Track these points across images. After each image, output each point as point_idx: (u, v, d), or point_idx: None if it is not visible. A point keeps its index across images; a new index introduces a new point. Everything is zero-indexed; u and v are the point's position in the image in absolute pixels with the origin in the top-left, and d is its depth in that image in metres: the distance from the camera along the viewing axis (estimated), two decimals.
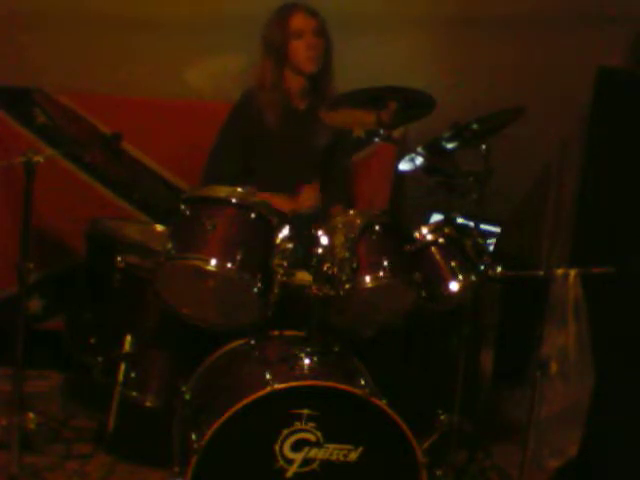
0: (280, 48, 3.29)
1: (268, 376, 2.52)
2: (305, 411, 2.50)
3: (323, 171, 3.45)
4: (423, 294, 2.80)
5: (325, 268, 2.67)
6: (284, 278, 2.70)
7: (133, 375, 3.05)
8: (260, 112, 3.33)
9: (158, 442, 2.93)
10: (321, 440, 2.52)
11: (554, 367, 2.85)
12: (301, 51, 3.28)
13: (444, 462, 2.95)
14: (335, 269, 2.65)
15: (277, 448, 2.51)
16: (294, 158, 3.37)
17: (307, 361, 2.64)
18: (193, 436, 2.53)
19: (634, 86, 3.29)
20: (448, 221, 2.93)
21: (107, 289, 3.17)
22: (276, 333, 2.89)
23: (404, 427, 2.52)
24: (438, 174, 3.00)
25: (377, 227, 2.73)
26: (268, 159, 3.36)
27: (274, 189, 3.21)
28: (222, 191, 2.71)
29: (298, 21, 3.28)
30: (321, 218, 3.03)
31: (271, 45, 3.31)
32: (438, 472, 2.92)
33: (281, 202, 3.13)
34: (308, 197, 3.28)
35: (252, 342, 2.85)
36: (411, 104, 2.81)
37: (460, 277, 2.84)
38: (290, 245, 2.71)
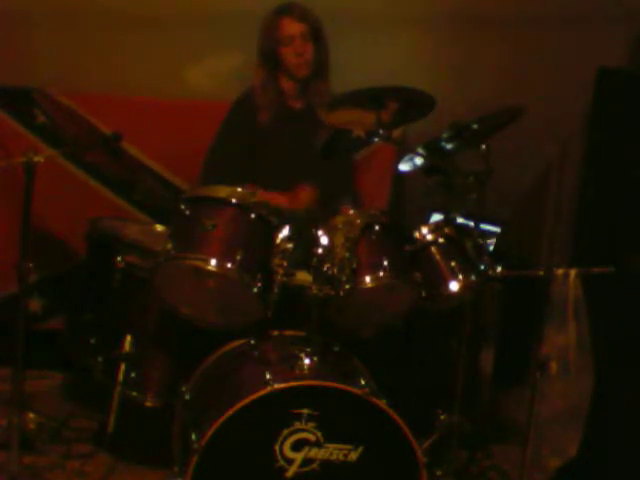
0: (271, 55, 3.31)
1: (268, 376, 2.52)
2: (305, 411, 2.50)
3: (325, 170, 3.45)
4: (423, 294, 2.80)
5: (325, 268, 2.67)
6: (284, 278, 2.70)
7: (133, 375, 3.05)
8: (257, 112, 3.33)
9: (158, 442, 2.93)
10: (321, 440, 2.52)
11: (554, 367, 2.85)
12: (290, 58, 3.30)
13: (444, 462, 2.95)
14: (335, 269, 2.65)
15: (277, 448, 2.51)
16: (292, 157, 3.37)
17: (307, 361, 2.64)
18: (193, 436, 2.53)
19: (634, 87, 3.30)
20: (448, 221, 2.93)
21: (107, 289, 3.17)
22: (276, 333, 2.89)
23: (404, 427, 2.52)
24: (438, 174, 3.00)
25: (377, 227, 2.73)
26: (266, 158, 3.36)
27: (273, 188, 3.21)
28: (222, 191, 2.71)
29: (286, 27, 3.29)
30: (321, 218, 3.04)
31: (263, 51, 3.33)
32: (438, 472, 2.91)
33: (278, 199, 3.13)
34: (304, 198, 3.26)
35: (252, 342, 2.85)
36: (411, 104, 2.81)
37: (460, 277, 2.83)
38: (290, 245, 2.71)
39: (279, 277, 2.68)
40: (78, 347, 3.32)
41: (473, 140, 2.93)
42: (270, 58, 3.32)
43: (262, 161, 3.37)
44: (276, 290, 2.68)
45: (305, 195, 3.28)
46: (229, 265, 2.60)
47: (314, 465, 2.54)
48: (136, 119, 3.72)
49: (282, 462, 2.53)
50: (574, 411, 2.93)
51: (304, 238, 2.76)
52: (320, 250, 2.69)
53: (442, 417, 2.97)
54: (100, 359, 3.13)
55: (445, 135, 2.95)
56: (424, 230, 2.89)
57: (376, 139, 2.89)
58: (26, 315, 2.89)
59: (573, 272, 2.78)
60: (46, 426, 3.20)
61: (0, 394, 3.17)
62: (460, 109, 3.23)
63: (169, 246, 2.67)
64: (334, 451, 2.54)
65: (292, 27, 3.28)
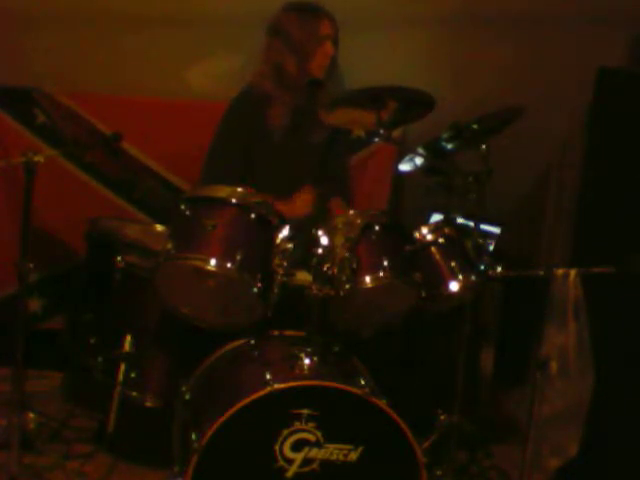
0: (304, 49, 3.26)
1: (268, 376, 2.52)
2: (305, 411, 2.50)
3: (322, 169, 3.44)
4: (423, 294, 2.80)
5: (325, 268, 2.67)
6: (284, 278, 2.70)
7: (133, 375, 3.05)
8: (261, 109, 3.31)
9: (158, 442, 2.93)
10: (321, 440, 2.52)
11: (554, 367, 2.85)
12: (320, 57, 3.27)
13: (444, 462, 2.95)
14: (335, 269, 2.65)
15: (277, 448, 2.51)
16: (293, 155, 3.36)
17: (307, 361, 2.64)
18: (193, 436, 2.53)
19: (634, 86, 3.29)
20: (448, 221, 2.93)
21: (107, 289, 3.18)
22: (276, 333, 2.89)
23: (404, 427, 2.52)
24: (438, 174, 3.00)
25: (377, 227, 2.73)
26: (267, 157, 3.35)
27: (273, 187, 3.21)
28: (222, 191, 2.71)
29: (325, 27, 3.26)
30: (320, 217, 3.03)
31: (297, 47, 3.26)
32: (438, 472, 2.92)
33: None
34: (303, 203, 3.23)
35: (252, 342, 2.85)
36: (411, 104, 2.81)
37: (460, 277, 2.84)
38: (290, 245, 2.71)
39: (279, 277, 2.69)
40: (78, 347, 3.32)
41: (473, 140, 2.94)
42: (300, 52, 3.26)
43: (263, 159, 3.36)
44: (276, 290, 2.68)
45: (304, 199, 3.24)
46: (229, 265, 2.60)
47: (314, 465, 2.54)
48: (136, 119, 3.73)
49: (282, 462, 2.53)
50: (574, 411, 2.93)
51: (304, 238, 2.76)
52: (320, 250, 2.69)
53: (442, 417, 2.97)
54: (100, 359, 3.13)
55: (445, 135, 2.95)
56: (424, 230, 2.89)
57: (376, 139, 2.89)
58: (26, 315, 2.89)
59: (573, 272, 2.78)
60: (46, 426, 3.21)
61: (0, 394, 3.17)
62: (460, 109, 3.23)
63: (169, 246, 2.67)
64: (334, 451, 2.54)
65: (329, 28, 3.26)
